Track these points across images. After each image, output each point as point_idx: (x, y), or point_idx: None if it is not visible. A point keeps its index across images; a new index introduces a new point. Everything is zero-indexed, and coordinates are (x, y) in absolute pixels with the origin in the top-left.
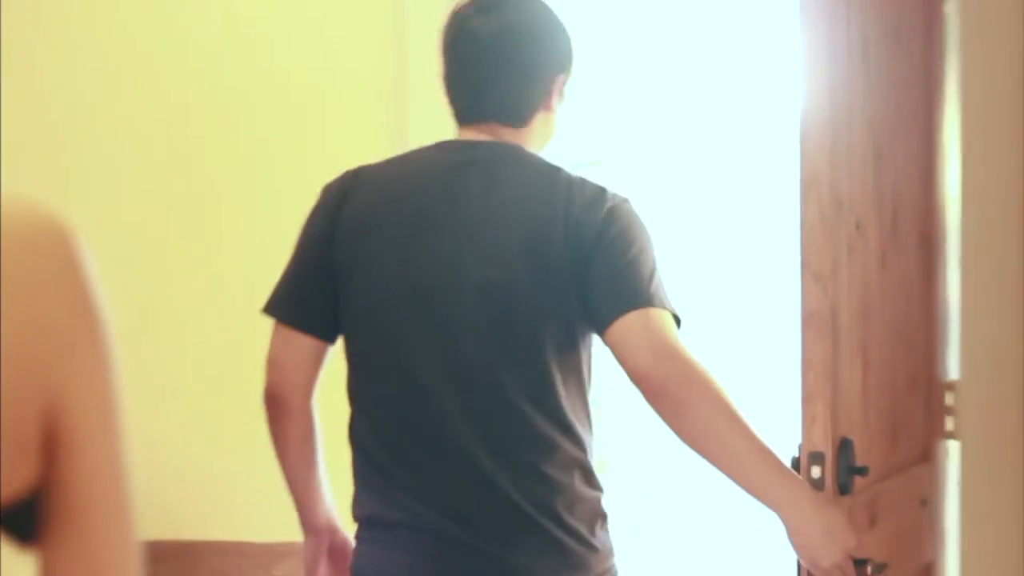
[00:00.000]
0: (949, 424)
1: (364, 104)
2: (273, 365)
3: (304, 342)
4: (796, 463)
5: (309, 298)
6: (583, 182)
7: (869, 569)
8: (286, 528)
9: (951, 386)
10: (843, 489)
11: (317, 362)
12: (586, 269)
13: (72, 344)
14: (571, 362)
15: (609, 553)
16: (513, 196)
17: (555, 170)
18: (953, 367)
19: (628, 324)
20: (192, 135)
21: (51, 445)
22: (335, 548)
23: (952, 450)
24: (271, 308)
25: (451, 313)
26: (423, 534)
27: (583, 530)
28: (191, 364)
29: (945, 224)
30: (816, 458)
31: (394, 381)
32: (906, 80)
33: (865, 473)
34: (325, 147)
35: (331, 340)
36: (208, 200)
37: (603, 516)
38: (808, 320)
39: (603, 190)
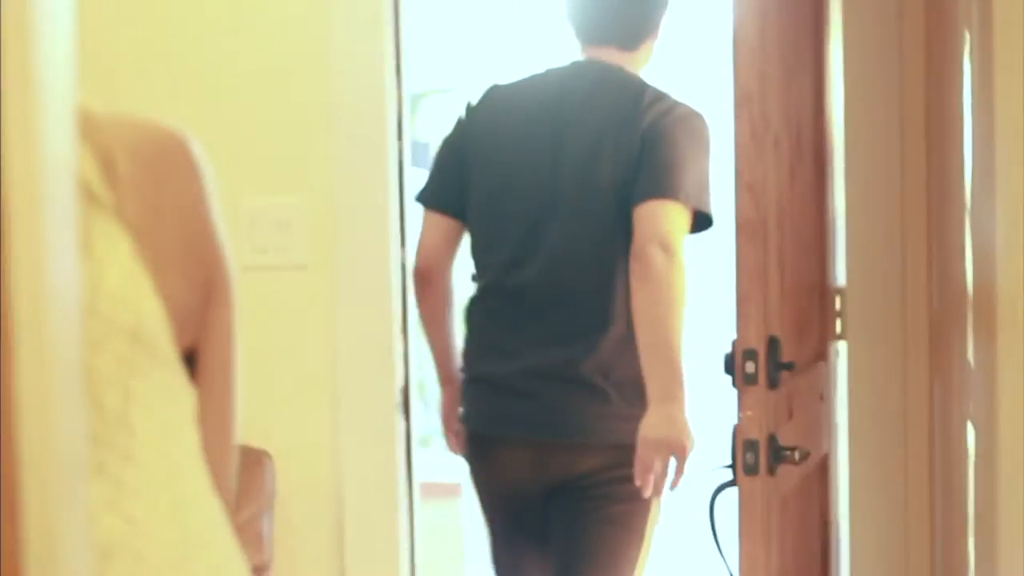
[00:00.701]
0: (838, 327)
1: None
2: (423, 247)
3: (446, 225)
4: (731, 359)
5: (449, 187)
6: (663, 97)
7: (796, 455)
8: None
9: (840, 291)
10: (773, 383)
11: (455, 242)
12: (640, 161)
13: (209, 226)
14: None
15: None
16: (607, 102)
17: (644, 86)
18: (841, 274)
19: (644, 208)
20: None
21: (205, 308)
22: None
23: (841, 350)
24: (422, 198)
25: (547, 188)
26: (504, 383)
27: (626, 389)
28: None
29: (833, 141)
30: (750, 354)
31: (498, 253)
32: (804, 19)
33: (792, 368)
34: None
35: (465, 222)
36: None
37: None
38: (742, 228)
39: (676, 103)
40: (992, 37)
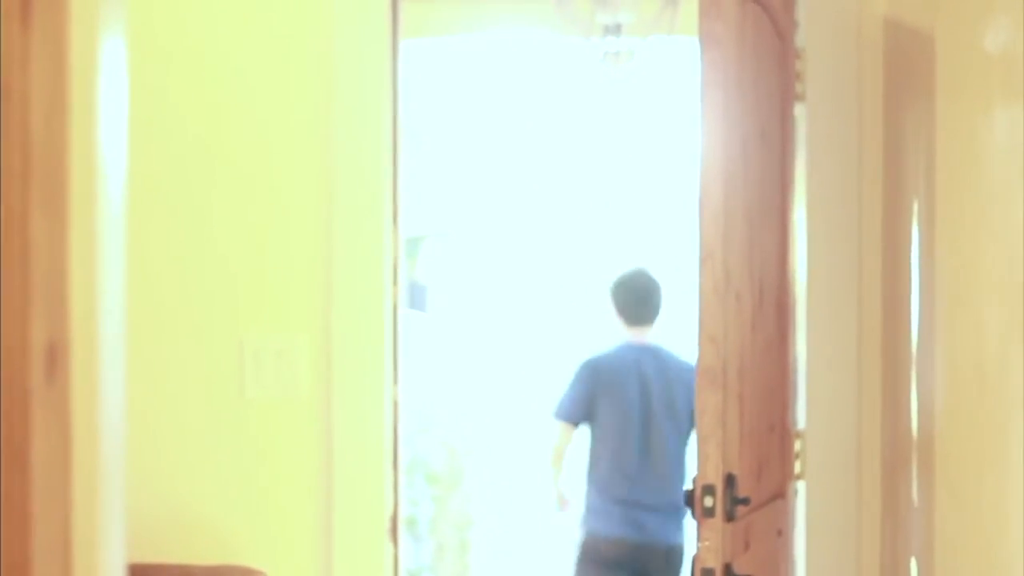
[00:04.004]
0: (797, 467)
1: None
2: (561, 441)
3: (572, 430)
4: (691, 494)
5: (580, 411)
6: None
7: None
8: (225, 552)
9: (799, 434)
10: (729, 516)
11: (574, 437)
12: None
13: None
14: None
15: None
16: (665, 370)
17: (676, 355)
18: (801, 418)
19: None
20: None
21: None
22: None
23: (800, 489)
24: (564, 416)
25: (645, 419)
26: (629, 504)
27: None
28: (139, 392)
29: (795, 296)
30: (709, 490)
31: (619, 439)
32: (769, 174)
33: (748, 503)
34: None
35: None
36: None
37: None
38: (703, 374)
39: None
40: (934, 210)
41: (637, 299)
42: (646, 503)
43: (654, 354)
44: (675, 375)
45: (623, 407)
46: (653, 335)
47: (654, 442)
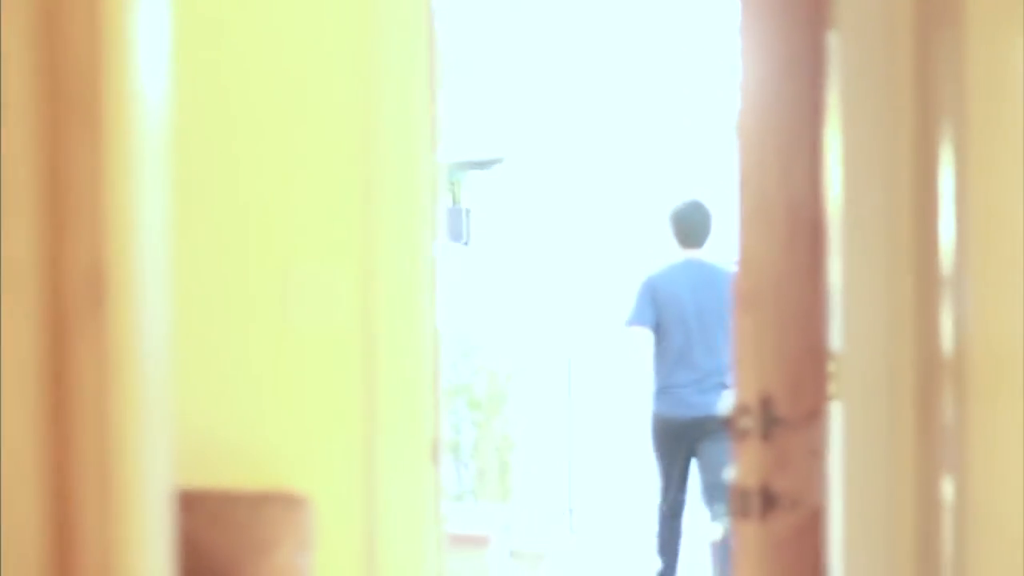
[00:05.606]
0: (832, 388)
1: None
2: (642, 341)
3: (646, 331)
4: (727, 416)
5: (651, 316)
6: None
7: (788, 503)
8: (268, 477)
9: (834, 356)
10: (765, 436)
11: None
12: None
13: None
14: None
15: None
16: (712, 280)
17: (720, 266)
18: (836, 339)
19: None
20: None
21: None
22: None
23: (835, 410)
24: (636, 322)
25: (695, 319)
26: (682, 388)
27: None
28: (182, 323)
29: (828, 219)
30: (745, 410)
31: (676, 340)
32: (802, 100)
33: (784, 423)
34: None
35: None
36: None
37: None
38: (739, 297)
39: None
40: (966, 132)
41: (691, 227)
42: (697, 386)
43: (700, 267)
44: (719, 282)
45: (676, 312)
46: (702, 253)
47: (703, 337)
